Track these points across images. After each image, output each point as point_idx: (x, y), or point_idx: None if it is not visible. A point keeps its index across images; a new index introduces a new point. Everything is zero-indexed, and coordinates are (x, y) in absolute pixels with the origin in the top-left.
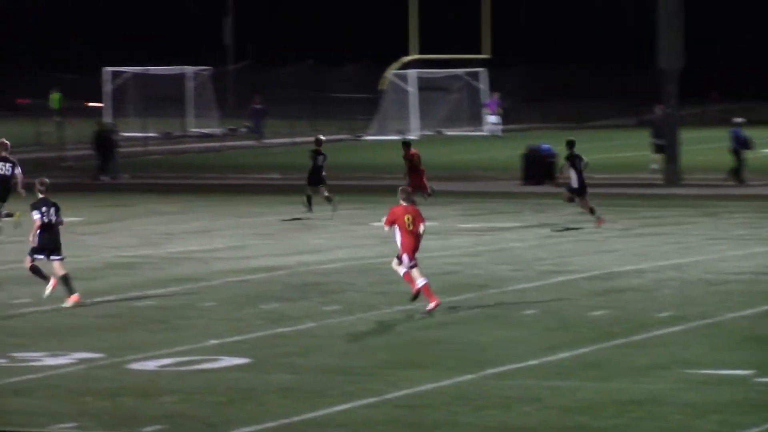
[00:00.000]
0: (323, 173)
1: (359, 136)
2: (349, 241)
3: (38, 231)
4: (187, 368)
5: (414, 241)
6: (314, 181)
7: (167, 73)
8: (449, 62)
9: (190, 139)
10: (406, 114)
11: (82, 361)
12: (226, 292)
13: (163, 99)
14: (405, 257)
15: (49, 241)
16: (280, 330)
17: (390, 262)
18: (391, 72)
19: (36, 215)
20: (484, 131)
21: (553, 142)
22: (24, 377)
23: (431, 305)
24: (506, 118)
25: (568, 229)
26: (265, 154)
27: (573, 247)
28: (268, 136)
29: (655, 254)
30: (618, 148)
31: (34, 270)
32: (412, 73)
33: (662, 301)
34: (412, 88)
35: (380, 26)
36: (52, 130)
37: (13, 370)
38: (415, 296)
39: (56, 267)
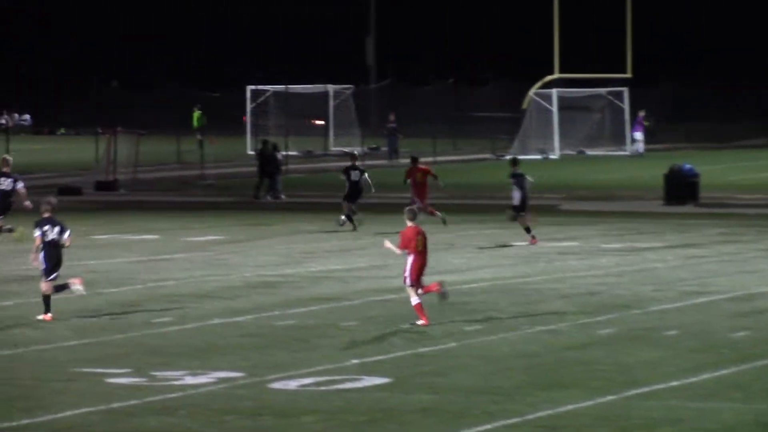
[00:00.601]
0: (359, 190)
1: (501, 156)
2: (491, 261)
3: (42, 251)
4: (328, 388)
5: (423, 261)
6: (349, 197)
7: (309, 91)
8: (591, 81)
9: (331, 157)
10: (547, 133)
11: (222, 380)
12: (367, 311)
13: (305, 117)
14: (408, 279)
15: (52, 260)
16: (421, 350)
17: (530, 282)
18: (533, 91)
19: (36, 233)
20: (629, 150)
21: (696, 162)
22: (165, 396)
23: (421, 322)
24: (650, 138)
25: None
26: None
27: (715, 267)
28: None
29: None
30: (762, 168)
31: (57, 288)
32: (554, 93)
33: None
34: (554, 108)
35: (522, 45)
36: (193, 149)
37: (154, 389)
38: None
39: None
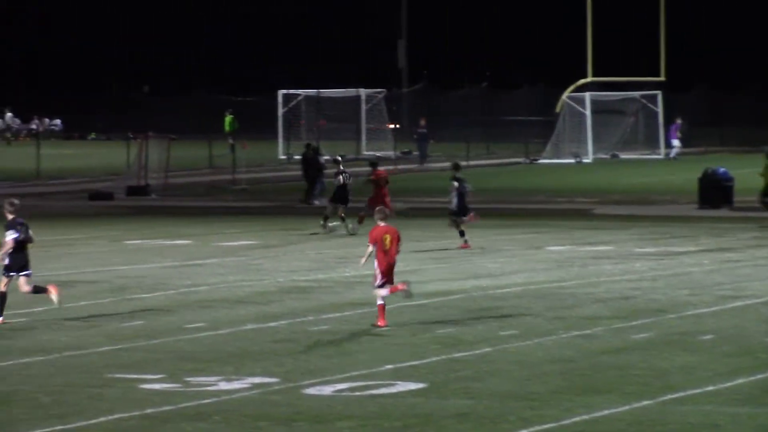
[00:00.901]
0: (347, 192)
1: (534, 160)
2: (525, 266)
3: (10, 250)
4: (363, 393)
5: (389, 260)
6: (336, 199)
7: (341, 95)
8: (625, 85)
9: (363, 162)
10: (581, 137)
11: (256, 385)
12: (401, 316)
13: (337, 121)
14: (378, 276)
15: (20, 260)
16: (456, 355)
17: (565, 286)
18: (566, 95)
19: (12, 234)
20: (671, 154)
21: (730, 166)
22: (199, 402)
23: (380, 323)
24: (684, 142)
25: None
26: (440, 177)
27: (750, 271)
28: (442, 160)
29: None
30: None
31: (2, 297)
32: (588, 96)
33: None
34: (587, 111)
35: (556, 49)
36: (225, 153)
37: (188, 395)
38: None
39: (21, 282)
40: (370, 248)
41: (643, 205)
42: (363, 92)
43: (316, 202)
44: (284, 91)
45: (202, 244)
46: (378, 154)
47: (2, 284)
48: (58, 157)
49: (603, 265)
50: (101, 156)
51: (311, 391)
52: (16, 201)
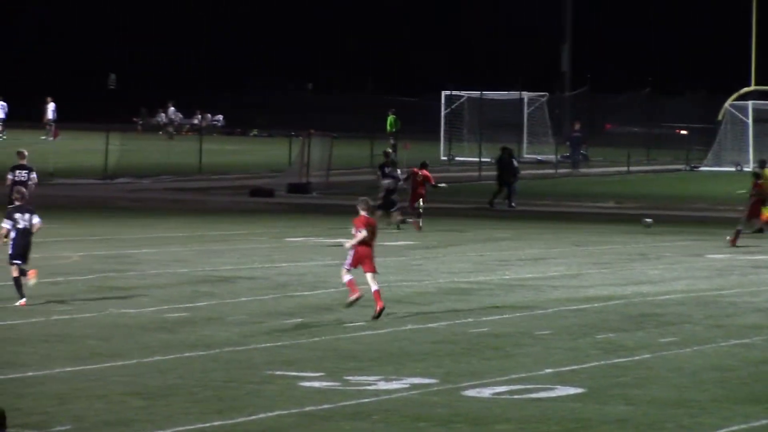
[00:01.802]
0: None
1: (695, 167)
2: (686, 273)
3: (13, 237)
4: (522, 396)
5: (368, 250)
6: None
7: (503, 98)
8: None
9: (524, 165)
10: (742, 146)
11: (415, 386)
12: (561, 320)
13: (499, 124)
14: (349, 260)
15: (22, 247)
16: (615, 360)
17: (725, 294)
18: (729, 103)
19: (7, 224)
20: None
21: None
22: (358, 401)
23: (377, 308)
24: None
25: None
26: (600, 182)
27: None
28: (604, 165)
29: None
30: None
31: (16, 282)
32: (750, 105)
33: None
34: (749, 120)
35: (719, 57)
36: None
37: (347, 394)
38: (378, 314)
39: (13, 270)
40: (363, 233)
41: None
42: (525, 95)
43: (513, 204)
44: (447, 92)
45: None
46: (539, 157)
47: (13, 271)
48: (220, 153)
49: (763, 275)
50: (262, 153)
51: (470, 393)
52: (23, 189)
